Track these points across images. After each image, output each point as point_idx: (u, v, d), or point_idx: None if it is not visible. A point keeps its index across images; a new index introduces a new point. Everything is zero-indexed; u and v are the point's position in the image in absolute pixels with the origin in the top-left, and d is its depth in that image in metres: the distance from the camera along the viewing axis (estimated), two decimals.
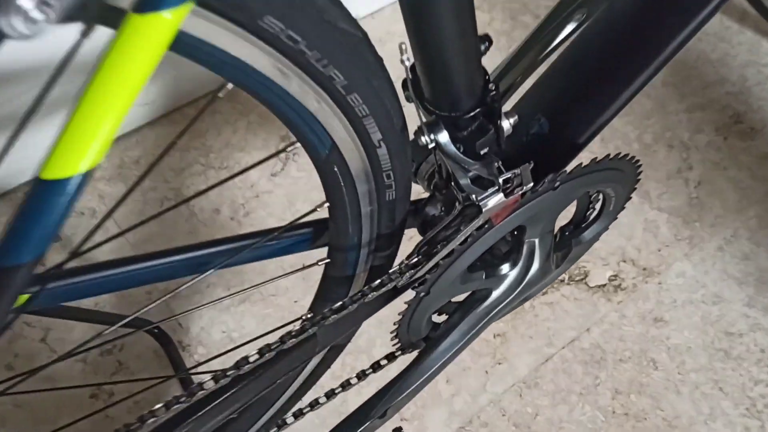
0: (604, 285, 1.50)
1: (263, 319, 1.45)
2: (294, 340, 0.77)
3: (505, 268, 0.90)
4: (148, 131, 1.66)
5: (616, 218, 1.02)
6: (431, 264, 0.80)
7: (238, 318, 1.45)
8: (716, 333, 1.45)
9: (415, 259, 0.80)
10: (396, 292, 0.83)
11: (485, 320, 0.93)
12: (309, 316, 0.92)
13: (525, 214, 0.82)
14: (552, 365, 1.41)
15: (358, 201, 0.75)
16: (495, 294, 0.92)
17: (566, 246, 0.98)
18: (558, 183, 0.82)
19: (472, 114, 0.71)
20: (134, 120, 1.64)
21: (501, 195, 0.75)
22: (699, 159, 1.65)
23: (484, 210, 0.75)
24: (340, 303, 0.76)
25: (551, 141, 0.87)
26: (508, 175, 0.74)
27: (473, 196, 0.73)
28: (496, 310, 0.93)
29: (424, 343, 0.96)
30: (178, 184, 1.60)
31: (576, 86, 0.87)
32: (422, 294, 0.85)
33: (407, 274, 0.80)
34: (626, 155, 0.88)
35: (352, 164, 0.69)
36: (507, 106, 0.85)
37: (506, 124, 0.73)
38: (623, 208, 1.01)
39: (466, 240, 0.79)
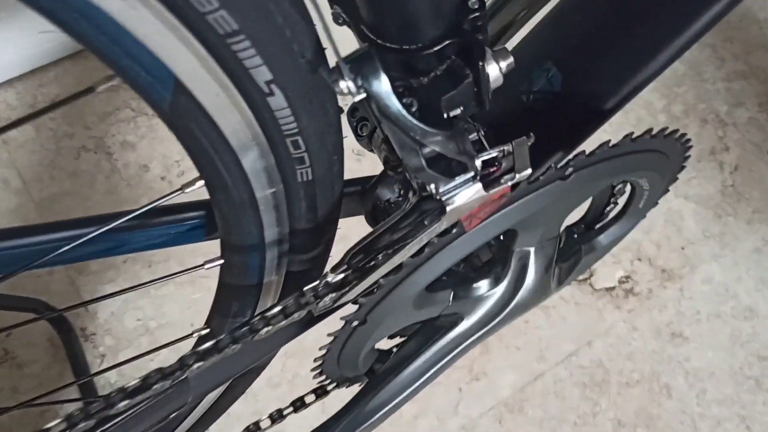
0: (613, 288, 1.22)
1: (189, 307, 1.17)
2: (157, 386, 0.49)
3: (482, 286, 0.62)
4: (70, 65, 1.36)
5: (645, 216, 0.74)
6: (366, 283, 0.51)
7: (159, 303, 1.17)
8: (747, 356, 1.17)
9: (342, 275, 0.51)
10: (313, 320, 0.55)
11: (451, 356, 0.65)
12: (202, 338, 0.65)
13: (516, 216, 0.53)
14: (542, 385, 1.14)
15: (247, 180, 0.46)
16: (467, 322, 0.64)
17: (574, 254, 0.70)
18: (571, 170, 0.53)
19: (436, 48, 0.42)
20: (53, 51, 1.34)
21: (478, 186, 0.46)
22: (737, 139, 1.36)
23: (448, 209, 0.46)
24: (214, 342, 0.48)
25: (563, 104, 0.59)
26: (492, 154, 0.45)
27: (432, 186, 0.44)
28: (468, 342, 0.65)
29: (366, 378, 0.69)
30: (101, 131, 1.31)
31: (606, 27, 0.58)
32: (355, 324, 0.57)
33: (327, 297, 0.51)
34: (675, 131, 0.59)
35: (223, 121, 0.40)
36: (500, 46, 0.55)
37: (494, 70, 0.44)
38: (656, 203, 0.73)
39: (421, 251, 0.51)
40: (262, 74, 0.38)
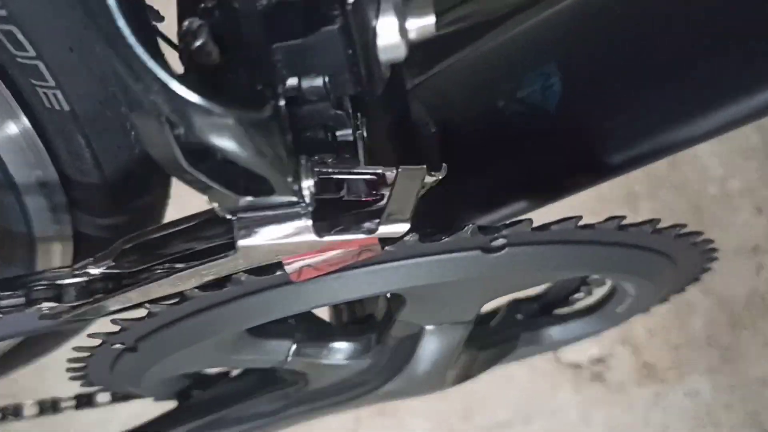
0: (580, 366, 1.01)
1: None
2: None
3: (340, 351, 0.41)
4: None
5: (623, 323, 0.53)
6: (127, 298, 0.32)
7: None
8: None
9: (102, 269, 0.32)
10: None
11: (280, 417, 0.46)
12: None
13: (392, 282, 0.33)
14: None
15: None
16: (310, 388, 0.44)
17: (505, 341, 0.49)
18: (502, 242, 0.32)
19: None
20: None
21: (304, 225, 0.25)
22: None
23: (239, 244, 0.25)
24: None
25: (551, 130, 0.39)
26: (339, 175, 0.25)
27: (216, 205, 0.24)
28: (304, 412, 0.45)
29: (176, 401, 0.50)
30: None
31: (650, 56, 0.38)
32: (118, 347, 0.37)
33: (71, 294, 0.32)
34: (692, 233, 0.38)
35: None
36: None
37: (389, 26, 0.23)
38: (647, 310, 0.52)
39: (221, 285, 0.31)
40: None
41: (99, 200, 0.38)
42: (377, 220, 0.27)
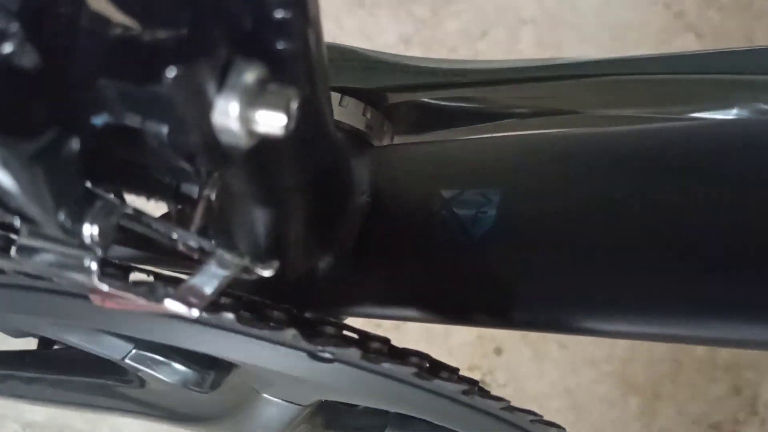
0: None
1: None
2: None
3: (178, 372, 0.40)
4: None
5: None
6: None
7: None
8: None
9: None
10: None
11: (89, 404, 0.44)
12: None
13: (202, 345, 0.31)
14: None
15: None
16: (147, 396, 0.42)
17: (368, 429, 0.47)
18: (328, 356, 0.30)
19: None
20: None
21: (88, 266, 0.23)
22: None
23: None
24: None
25: (471, 258, 0.36)
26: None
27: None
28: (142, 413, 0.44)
29: None
30: None
31: (619, 216, 0.34)
32: None
33: None
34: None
35: None
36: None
37: (225, 107, 0.21)
38: None
39: None
40: None
41: None
42: (172, 292, 0.25)
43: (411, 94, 0.45)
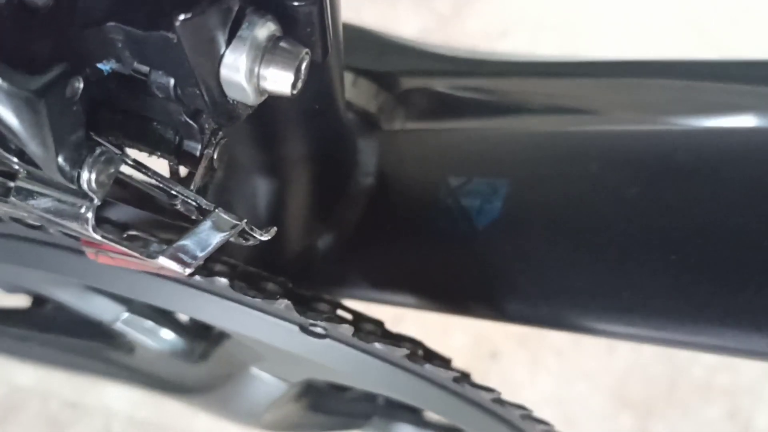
0: None
1: None
2: None
3: (167, 341, 0.39)
4: None
5: None
6: None
7: None
8: None
9: None
10: None
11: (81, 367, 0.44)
12: None
13: (193, 310, 0.30)
14: None
15: None
16: (135, 361, 0.42)
17: (355, 415, 0.46)
18: (321, 331, 0.29)
19: None
20: None
21: (84, 215, 0.23)
22: None
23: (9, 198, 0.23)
24: None
25: (473, 247, 0.35)
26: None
27: None
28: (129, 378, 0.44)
29: None
30: None
31: (627, 216, 0.34)
32: None
33: None
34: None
35: None
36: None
37: (234, 61, 0.21)
38: None
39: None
40: None
41: None
42: (165, 248, 0.25)
43: (426, 80, 0.44)
